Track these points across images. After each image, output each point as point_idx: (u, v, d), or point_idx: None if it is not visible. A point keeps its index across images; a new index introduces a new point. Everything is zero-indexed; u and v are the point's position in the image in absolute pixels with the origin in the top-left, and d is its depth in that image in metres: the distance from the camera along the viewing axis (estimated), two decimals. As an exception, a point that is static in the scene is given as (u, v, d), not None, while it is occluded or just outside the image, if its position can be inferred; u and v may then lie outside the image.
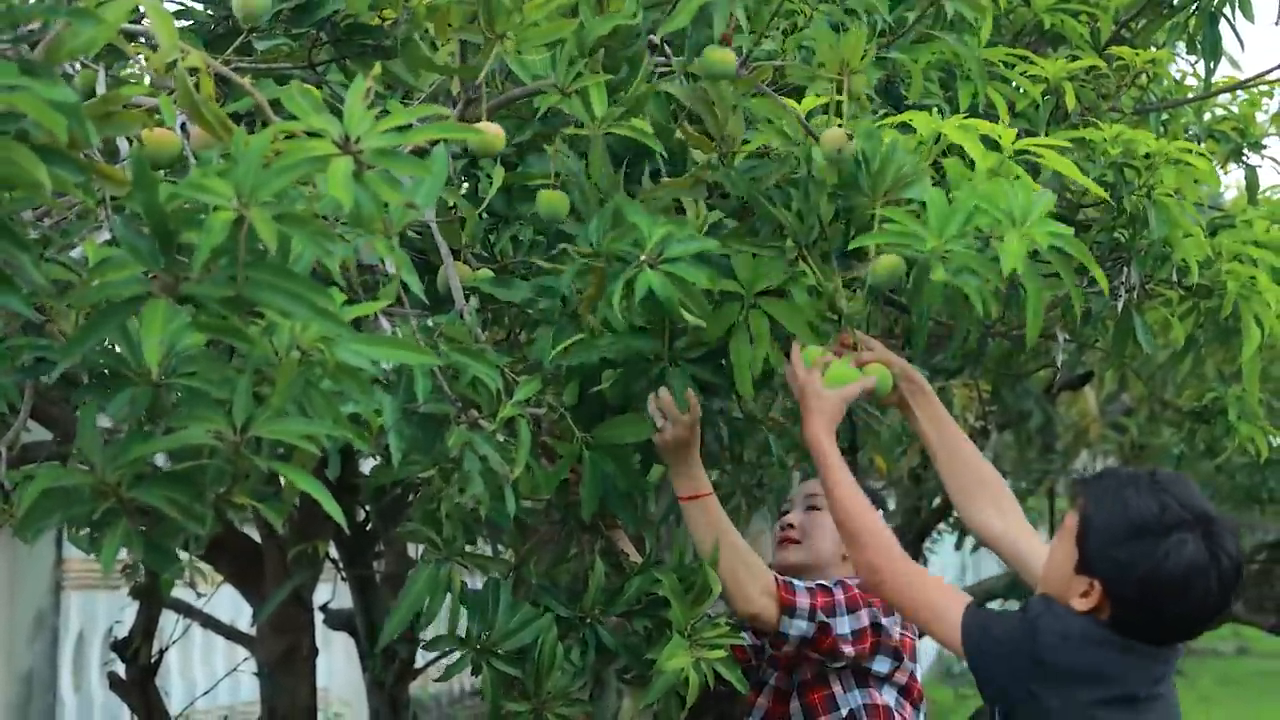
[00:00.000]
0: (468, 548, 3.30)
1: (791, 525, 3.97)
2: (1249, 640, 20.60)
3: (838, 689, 3.82)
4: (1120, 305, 3.39)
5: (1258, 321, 3.39)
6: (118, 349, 2.40)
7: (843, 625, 3.69)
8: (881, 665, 3.80)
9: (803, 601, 3.63)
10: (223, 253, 2.12)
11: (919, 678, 3.95)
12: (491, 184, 3.24)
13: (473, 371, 2.88)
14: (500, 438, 2.92)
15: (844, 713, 3.80)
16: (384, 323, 2.81)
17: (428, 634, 3.54)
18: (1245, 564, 7.84)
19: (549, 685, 3.33)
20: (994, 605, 14.79)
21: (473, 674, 3.36)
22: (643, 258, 3.04)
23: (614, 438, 3.36)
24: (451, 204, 3.31)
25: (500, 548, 3.65)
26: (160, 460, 2.46)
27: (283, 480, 2.45)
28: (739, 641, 3.51)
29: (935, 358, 5.32)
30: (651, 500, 3.72)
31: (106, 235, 2.52)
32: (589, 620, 3.48)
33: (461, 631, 3.40)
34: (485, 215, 3.41)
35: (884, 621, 3.76)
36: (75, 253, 2.63)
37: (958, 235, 2.87)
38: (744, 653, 3.80)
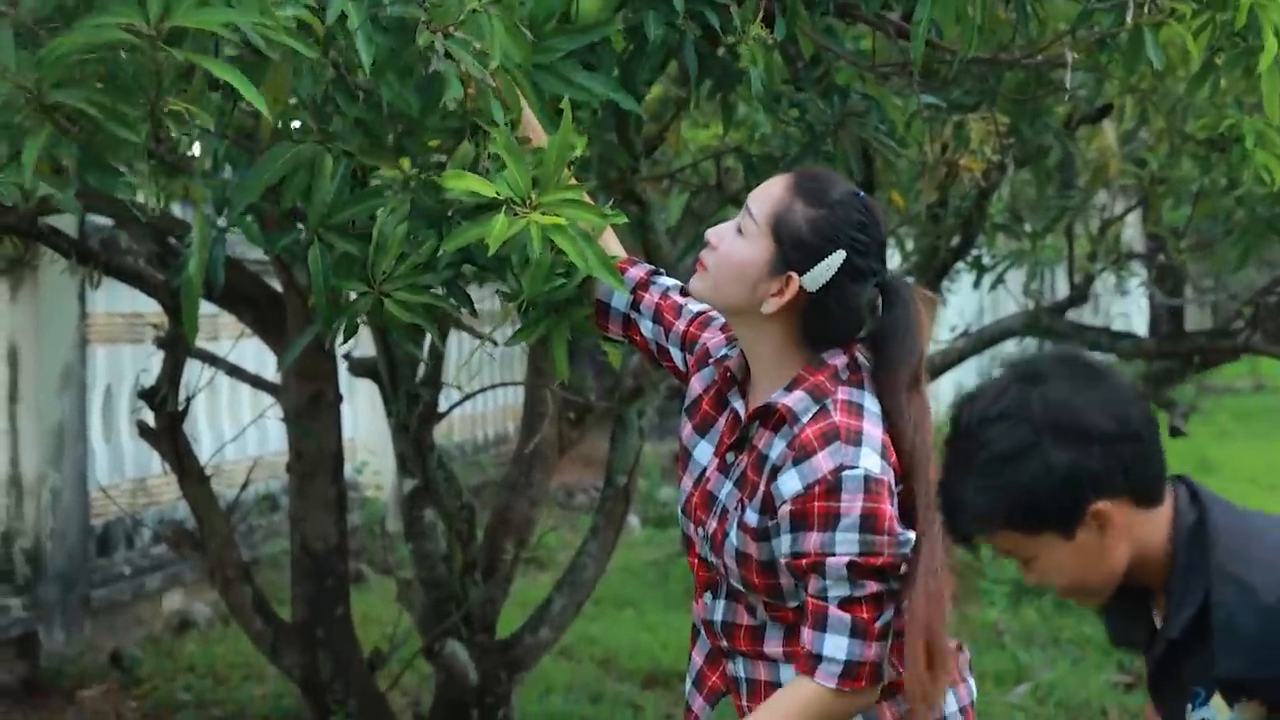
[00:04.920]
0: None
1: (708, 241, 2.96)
2: (1266, 376, 20.76)
3: None
4: (1129, 18, 3.31)
5: (1276, 34, 3.30)
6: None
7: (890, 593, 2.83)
8: None
9: (868, 654, 2.79)
10: None
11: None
12: None
13: None
14: (476, 45, 2.67)
15: None
16: None
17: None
18: None
19: (386, 265, 2.89)
20: (1010, 345, 14.72)
21: (303, 299, 3.03)
22: None
23: None
24: None
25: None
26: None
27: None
28: (613, 220, 2.93)
29: (953, 93, 5.27)
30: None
31: None
32: (453, 213, 2.92)
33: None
34: None
35: (902, 541, 2.81)
36: None
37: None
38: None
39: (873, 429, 2.80)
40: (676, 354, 3.11)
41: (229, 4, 2.24)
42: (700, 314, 3.11)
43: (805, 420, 2.79)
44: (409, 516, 5.82)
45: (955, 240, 8.02)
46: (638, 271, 3.18)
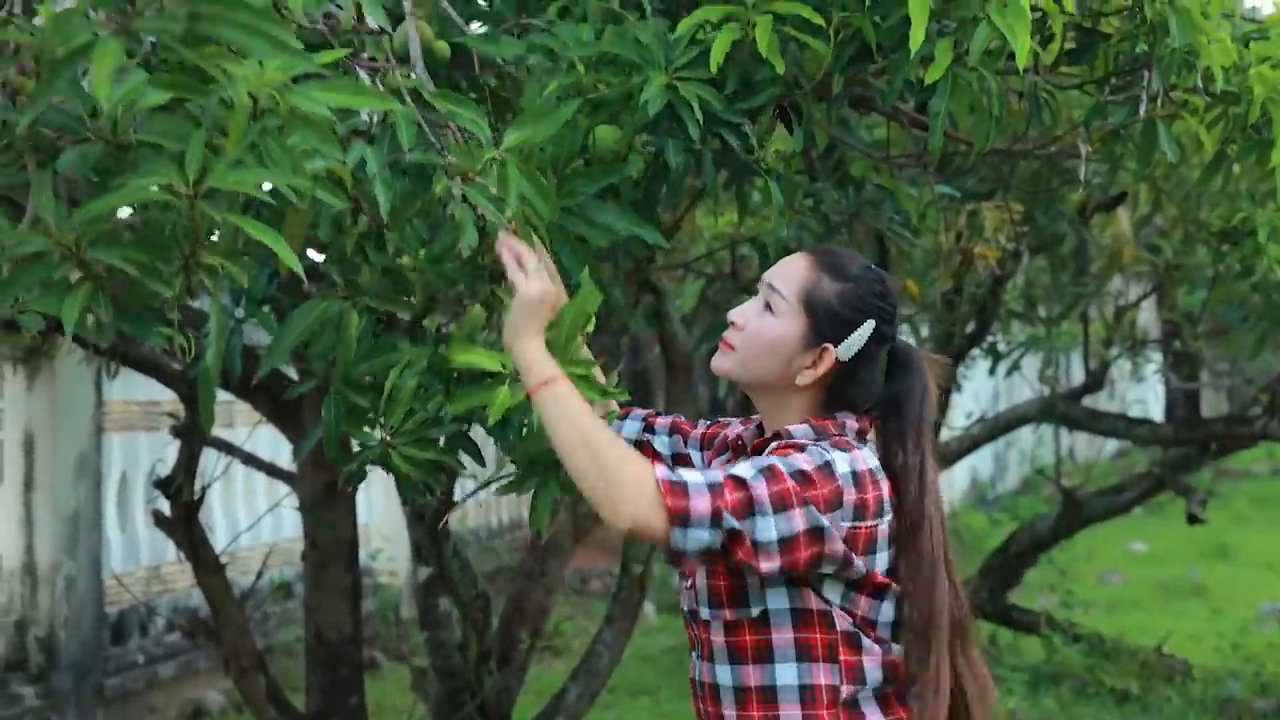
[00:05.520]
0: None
1: (733, 322, 3.03)
2: (1283, 461, 20.71)
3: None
4: (1142, 111, 3.34)
5: (1288, 129, 3.33)
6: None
7: (765, 529, 2.73)
8: (830, 589, 2.87)
9: (699, 505, 2.70)
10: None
11: (881, 565, 2.90)
12: None
13: (458, 119, 2.71)
14: (493, 190, 2.69)
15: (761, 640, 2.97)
16: (363, 74, 2.67)
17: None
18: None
19: (395, 419, 2.89)
20: (1026, 431, 14.59)
21: (320, 391, 2.97)
22: None
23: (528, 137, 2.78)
24: None
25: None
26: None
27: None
28: (616, 397, 2.98)
29: (968, 183, 5.29)
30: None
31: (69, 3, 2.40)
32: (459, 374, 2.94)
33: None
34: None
35: (826, 522, 2.77)
36: (37, 21, 2.49)
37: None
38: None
39: (861, 460, 2.86)
40: (695, 455, 3.23)
41: (261, 162, 2.30)
42: (715, 421, 3.27)
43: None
44: (424, 605, 5.80)
45: (970, 327, 8.04)
46: (641, 410, 3.33)
